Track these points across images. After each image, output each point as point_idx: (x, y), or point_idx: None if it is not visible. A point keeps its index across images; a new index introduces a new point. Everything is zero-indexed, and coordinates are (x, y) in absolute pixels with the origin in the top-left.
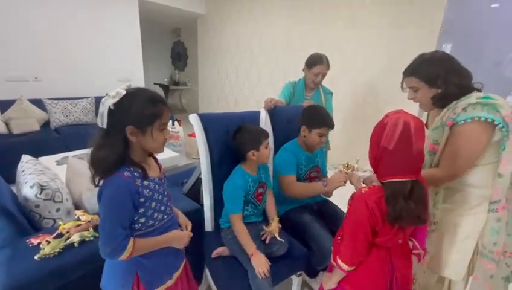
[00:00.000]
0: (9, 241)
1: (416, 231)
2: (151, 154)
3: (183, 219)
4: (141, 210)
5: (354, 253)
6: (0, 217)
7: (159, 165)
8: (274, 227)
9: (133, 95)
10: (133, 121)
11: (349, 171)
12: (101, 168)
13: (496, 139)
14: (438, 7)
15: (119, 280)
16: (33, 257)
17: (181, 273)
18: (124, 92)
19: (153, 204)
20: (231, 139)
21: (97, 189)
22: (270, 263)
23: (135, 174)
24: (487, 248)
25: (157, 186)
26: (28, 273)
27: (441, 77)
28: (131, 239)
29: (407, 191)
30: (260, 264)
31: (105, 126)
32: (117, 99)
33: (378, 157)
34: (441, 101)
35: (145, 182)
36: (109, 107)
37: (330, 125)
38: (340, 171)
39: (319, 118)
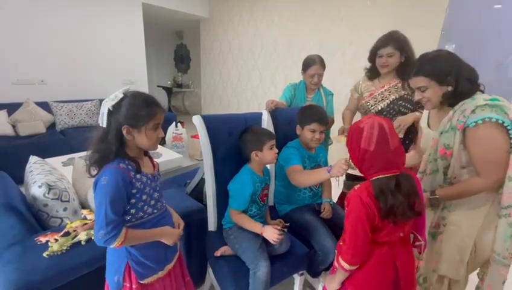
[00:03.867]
0: (19, 239)
1: (415, 222)
2: (147, 154)
3: (176, 217)
4: (132, 201)
5: (355, 251)
6: (10, 215)
7: (154, 165)
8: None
9: (129, 98)
10: (128, 121)
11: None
12: (98, 159)
13: None
14: (439, 8)
15: (113, 268)
16: (42, 254)
17: (174, 266)
18: (122, 95)
19: (144, 197)
20: (238, 139)
21: None
22: (278, 227)
23: (129, 167)
24: (501, 254)
25: (149, 181)
26: (37, 269)
27: (452, 73)
28: (124, 228)
29: (394, 186)
30: (271, 235)
31: (105, 125)
32: (115, 101)
33: (360, 159)
34: (452, 99)
35: (138, 176)
36: (108, 108)
37: (320, 121)
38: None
39: (309, 115)
